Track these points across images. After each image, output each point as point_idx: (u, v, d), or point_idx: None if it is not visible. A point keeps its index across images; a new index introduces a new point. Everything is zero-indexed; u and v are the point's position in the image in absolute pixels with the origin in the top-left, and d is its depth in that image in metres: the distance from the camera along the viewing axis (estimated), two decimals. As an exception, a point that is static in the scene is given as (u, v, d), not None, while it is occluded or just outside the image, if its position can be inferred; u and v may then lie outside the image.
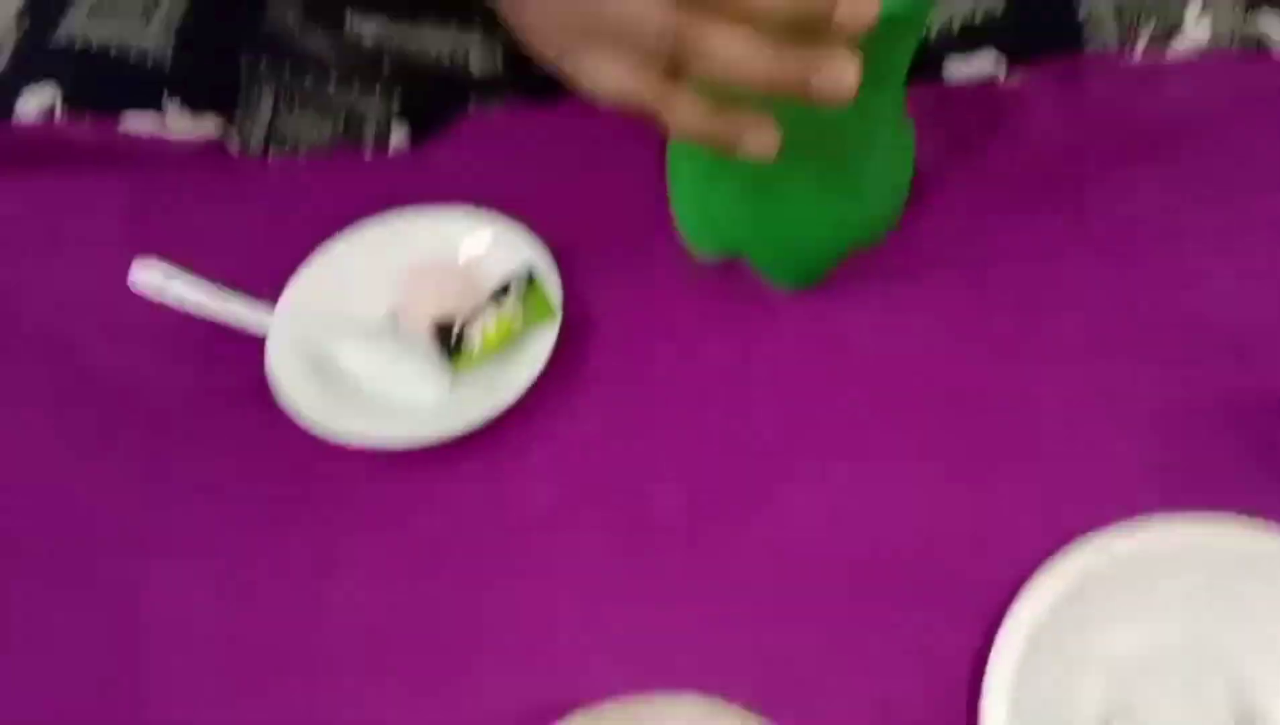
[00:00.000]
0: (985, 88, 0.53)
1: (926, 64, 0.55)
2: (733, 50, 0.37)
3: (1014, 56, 0.55)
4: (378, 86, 0.60)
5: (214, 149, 0.58)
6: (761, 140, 0.40)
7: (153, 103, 0.57)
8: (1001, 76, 0.55)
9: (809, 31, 0.37)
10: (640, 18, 0.37)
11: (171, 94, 0.57)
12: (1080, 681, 0.38)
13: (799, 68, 0.37)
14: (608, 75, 0.40)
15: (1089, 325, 0.46)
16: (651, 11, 0.37)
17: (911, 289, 0.48)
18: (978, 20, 0.56)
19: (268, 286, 0.50)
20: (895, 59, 0.42)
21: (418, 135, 0.59)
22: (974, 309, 0.47)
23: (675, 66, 0.38)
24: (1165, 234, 0.48)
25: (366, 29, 0.57)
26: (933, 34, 0.56)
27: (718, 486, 0.45)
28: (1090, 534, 0.40)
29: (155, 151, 0.57)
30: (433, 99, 0.60)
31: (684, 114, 0.40)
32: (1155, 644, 0.39)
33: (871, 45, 0.37)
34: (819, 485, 0.44)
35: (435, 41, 0.57)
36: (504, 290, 0.48)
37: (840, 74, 0.37)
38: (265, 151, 0.60)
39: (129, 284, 0.50)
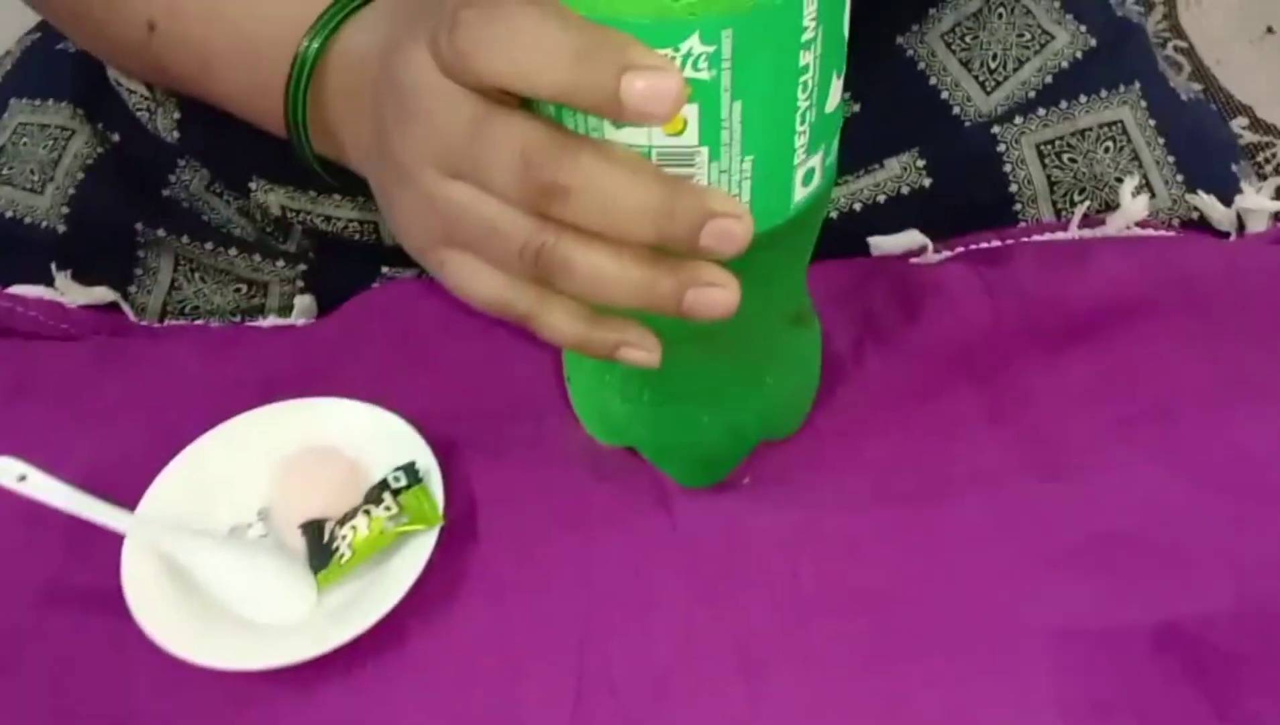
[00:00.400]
0: (903, 266, 0.50)
1: (849, 238, 0.53)
2: (598, 268, 0.34)
3: (942, 232, 0.53)
4: (282, 255, 0.57)
5: (108, 316, 0.55)
6: (642, 352, 0.38)
7: (42, 276, 0.55)
8: (929, 250, 0.52)
9: (678, 237, 0.34)
10: (501, 231, 0.35)
11: (61, 267, 0.54)
12: None
13: (672, 286, 0.35)
14: (475, 281, 0.38)
15: (1007, 528, 0.42)
16: (513, 225, 0.35)
17: (818, 485, 0.45)
18: (904, 192, 0.54)
19: (150, 466, 0.47)
20: (789, 258, 0.39)
21: (324, 303, 0.57)
22: (884, 506, 0.43)
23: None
24: (1093, 431, 0.45)
25: (272, 198, 0.55)
26: (856, 207, 0.54)
27: (605, 703, 0.41)
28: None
29: (45, 314, 0.55)
30: (341, 267, 0.57)
31: (557, 324, 0.37)
32: None
33: (757, 251, 0.34)
34: (718, 705, 0.40)
35: (344, 211, 0.55)
36: (380, 489, 0.45)
37: (717, 293, 0.35)
38: (162, 319, 0.57)
39: (-14, 473, 0.47)
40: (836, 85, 0.34)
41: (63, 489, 0.46)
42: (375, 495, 0.45)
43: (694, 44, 0.30)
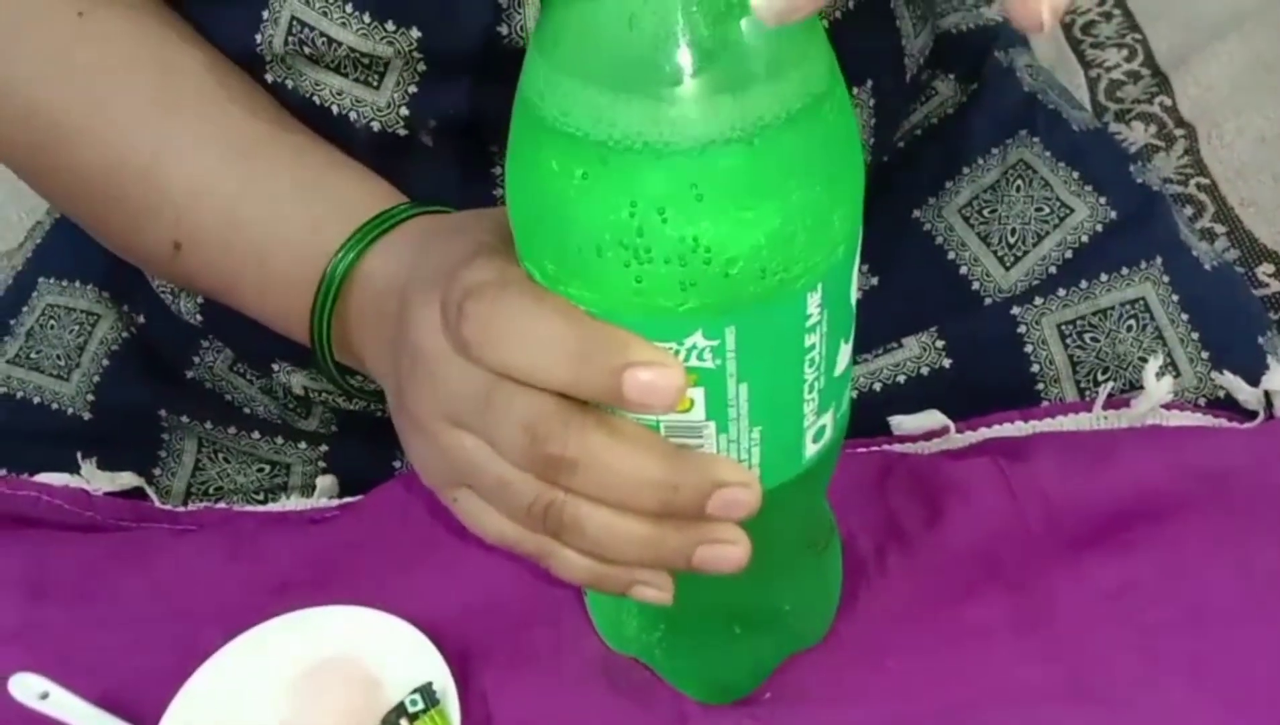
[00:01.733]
0: (924, 461, 0.50)
1: (869, 417, 0.52)
2: (606, 527, 0.34)
3: (963, 411, 0.52)
4: (304, 437, 0.58)
5: (130, 503, 0.56)
6: (655, 590, 0.38)
7: (68, 465, 0.55)
8: (951, 431, 0.52)
9: (683, 507, 0.34)
10: (511, 487, 0.35)
11: (86, 456, 0.55)
12: None
13: (680, 543, 0.35)
14: (487, 521, 0.38)
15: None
16: (522, 483, 0.35)
17: (842, 703, 0.44)
18: (924, 373, 0.53)
19: (166, 676, 0.47)
20: (804, 498, 0.39)
21: (345, 481, 0.57)
22: (892, 717, 0.43)
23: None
24: (1120, 643, 0.44)
25: (294, 379, 0.56)
26: (876, 387, 0.54)
27: None
28: None
29: (69, 502, 0.55)
30: (362, 445, 0.58)
31: (569, 564, 0.37)
32: None
33: (771, 500, 0.34)
34: None
35: (365, 395, 0.55)
36: (399, 712, 0.44)
37: (727, 549, 0.35)
38: (185, 502, 0.57)
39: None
40: (845, 349, 0.34)
41: (84, 709, 0.46)
42: (392, 720, 0.44)
43: (697, 339, 0.30)
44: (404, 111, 0.45)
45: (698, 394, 0.32)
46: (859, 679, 0.45)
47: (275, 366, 0.56)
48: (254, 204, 0.45)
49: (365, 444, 0.57)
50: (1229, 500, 0.47)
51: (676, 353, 0.31)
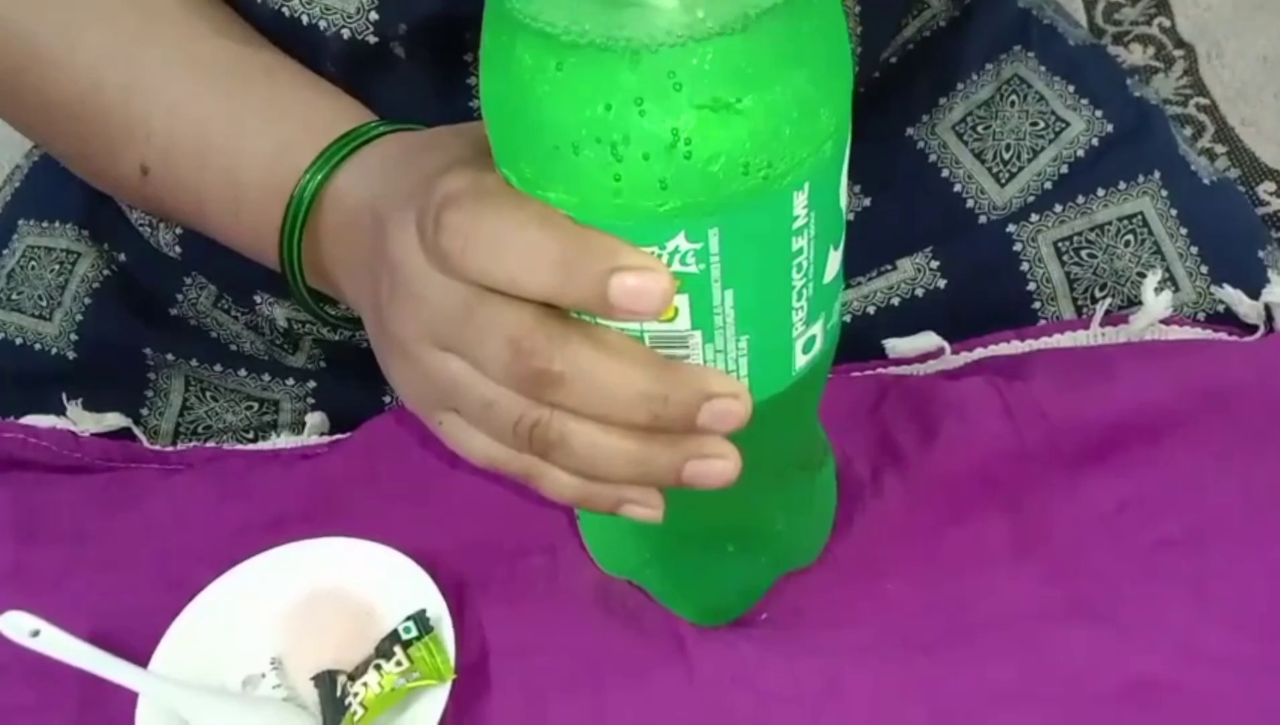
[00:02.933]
0: (919, 382, 0.49)
1: (864, 341, 0.52)
2: (593, 444, 0.34)
3: (959, 332, 0.51)
4: (291, 373, 0.57)
5: (119, 443, 0.55)
6: (645, 508, 0.37)
7: (53, 405, 0.55)
8: (947, 352, 0.51)
9: (671, 419, 0.33)
10: (495, 407, 0.34)
11: (72, 397, 0.54)
12: None
13: (669, 459, 0.34)
14: (473, 443, 0.37)
15: (1034, 680, 0.41)
16: (507, 402, 0.34)
17: (839, 625, 0.43)
18: (919, 294, 0.52)
19: (159, 612, 0.46)
20: (795, 412, 0.38)
21: (335, 417, 0.56)
22: (907, 655, 0.42)
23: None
24: (1121, 563, 0.43)
25: (277, 311, 0.55)
26: (870, 310, 0.53)
27: None
28: None
29: (57, 443, 0.55)
30: (350, 378, 0.57)
31: (557, 483, 0.37)
32: None
33: (761, 414, 0.33)
34: None
35: (344, 322, 0.55)
36: (391, 641, 0.44)
37: (716, 463, 0.34)
38: (174, 441, 0.57)
39: (-1, 628, 0.47)
40: (834, 257, 0.33)
41: (77, 645, 0.45)
42: (386, 648, 0.44)
43: (680, 242, 0.29)
44: (373, 17, 0.44)
45: (682, 302, 0.31)
46: (856, 601, 0.44)
47: (258, 298, 0.55)
48: (223, 124, 0.44)
49: (354, 379, 0.56)
50: (1229, 415, 0.46)
51: (660, 257, 0.30)
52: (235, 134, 0.44)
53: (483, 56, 0.30)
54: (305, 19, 0.44)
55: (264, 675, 0.46)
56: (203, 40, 0.45)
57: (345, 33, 0.44)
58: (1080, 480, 0.45)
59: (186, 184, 0.46)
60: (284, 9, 0.44)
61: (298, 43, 0.45)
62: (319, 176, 0.42)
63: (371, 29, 0.44)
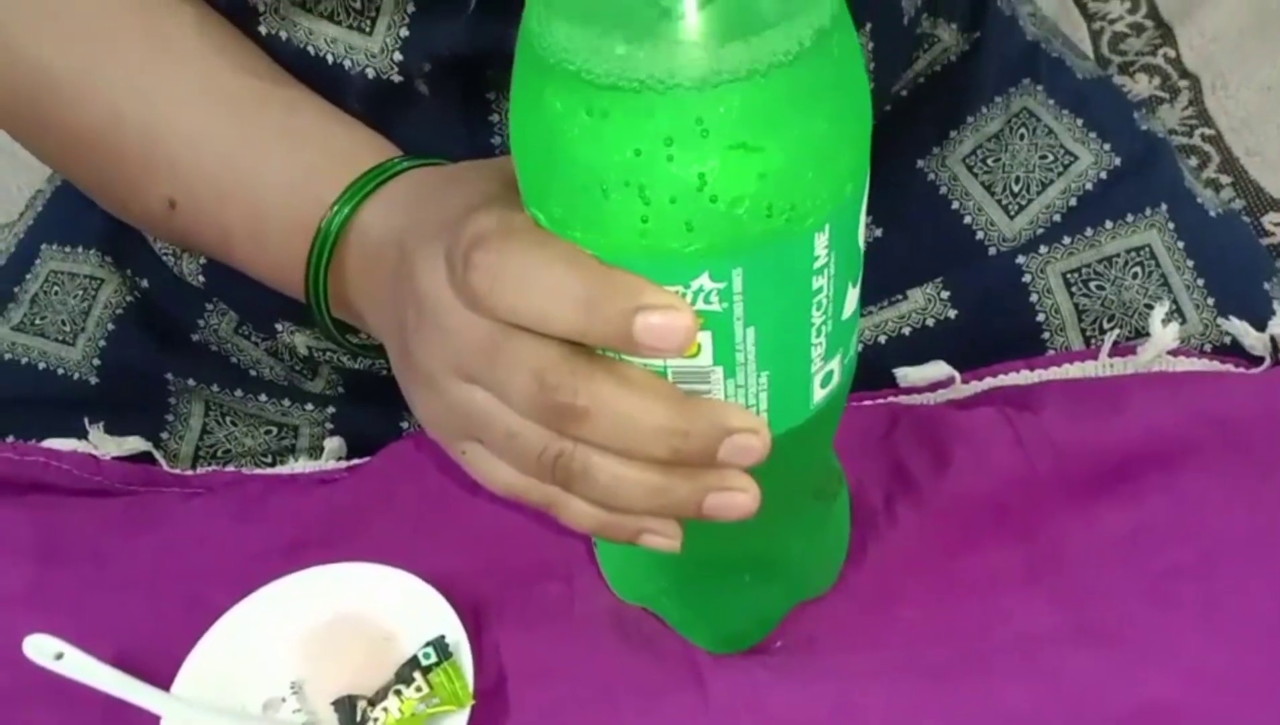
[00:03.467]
0: (931, 411, 0.50)
1: (875, 370, 0.52)
2: (616, 477, 0.34)
3: (969, 362, 0.52)
4: (310, 398, 0.58)
5: (139, 467, 0.56)
6: (663, 538, 0.38)
7: (75, 430, 0.55)
8: (957, 381, 0.52)
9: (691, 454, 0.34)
10: (519, 438, 0.35)
11: (94, 421, 0.55)
12: None
13: (689, 491, 0.35)
14: (495, 473, 0.38)
15: (1046, 704, 0.41)
16: (530, 434, 0.35)
17: (853, 650, 0.44)
18: (929, 324, 0.53)
19: (178, 636, 0.47)
20: (812, 445, 0.39)
21: (353, 443, 0.57)
22: (920, 680, 0.43)
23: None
24: (1131, 589, 0.44)
25: (298, 339, 0.56)
26: (881, 339, 0.54)
27: None
28: None
29: (77, 467, 0.55)
30: (369, 405, 0.58)
31: (578, 513, 0.37)
32: None
33: (779, 446, 0.34)
34: None
35: (366, 352, 0.55)
36: (412, 665, 0.45)
37: (737, 497, 0.35)
38: (194, 466, 0.58)
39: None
40: (852, 293, 0.34)
41: (100, 668, 0.46)
42: (406, 674, 0.44)
43: (704, 281, 0.30)
44: (397, 56, 0.45)
45: (705, 338, 0.32)
46: (869, 627, 0.45)
47: (279, 327, 0.56)
48: (248, 157, 0.44)
49: (372, 405, 0.57)
50: (1237, 445, 0.46)
51: (683, 296, 0.31)
52: (257, 163, 0.45)
53: (513, 99, 0.31)
54: (330, 58, 0.45)
55: (284, 700, 0.46)
56: (222, 73, 0.45)
57: (369, 71, 0.45)
58: (1090, 508, 0.46)
59: (210, 217, 0.46)
60: (309, 48, 0.45)
61: (322, 80, 0.46)
62: (345, 210, 0.42)
63: (396, 68, 0.45)
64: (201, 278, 0.56)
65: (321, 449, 0.57)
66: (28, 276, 0.61)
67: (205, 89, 0.46)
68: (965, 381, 0.52)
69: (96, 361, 0.57)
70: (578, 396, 0.33)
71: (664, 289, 0.30)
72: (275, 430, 0.58)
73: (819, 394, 0.35)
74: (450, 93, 0.46)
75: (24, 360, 0.58)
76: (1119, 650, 0.42)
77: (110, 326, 0.58)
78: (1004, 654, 0.42)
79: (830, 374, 0.35)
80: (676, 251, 0.30)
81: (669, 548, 0.38)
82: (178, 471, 0.57)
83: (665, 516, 0.35)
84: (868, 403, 0.52)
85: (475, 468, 0.39)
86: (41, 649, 0.47)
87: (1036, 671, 0.42)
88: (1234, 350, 0.52)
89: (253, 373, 0.58)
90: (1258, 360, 0.52)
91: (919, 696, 0.42)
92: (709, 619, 0.44)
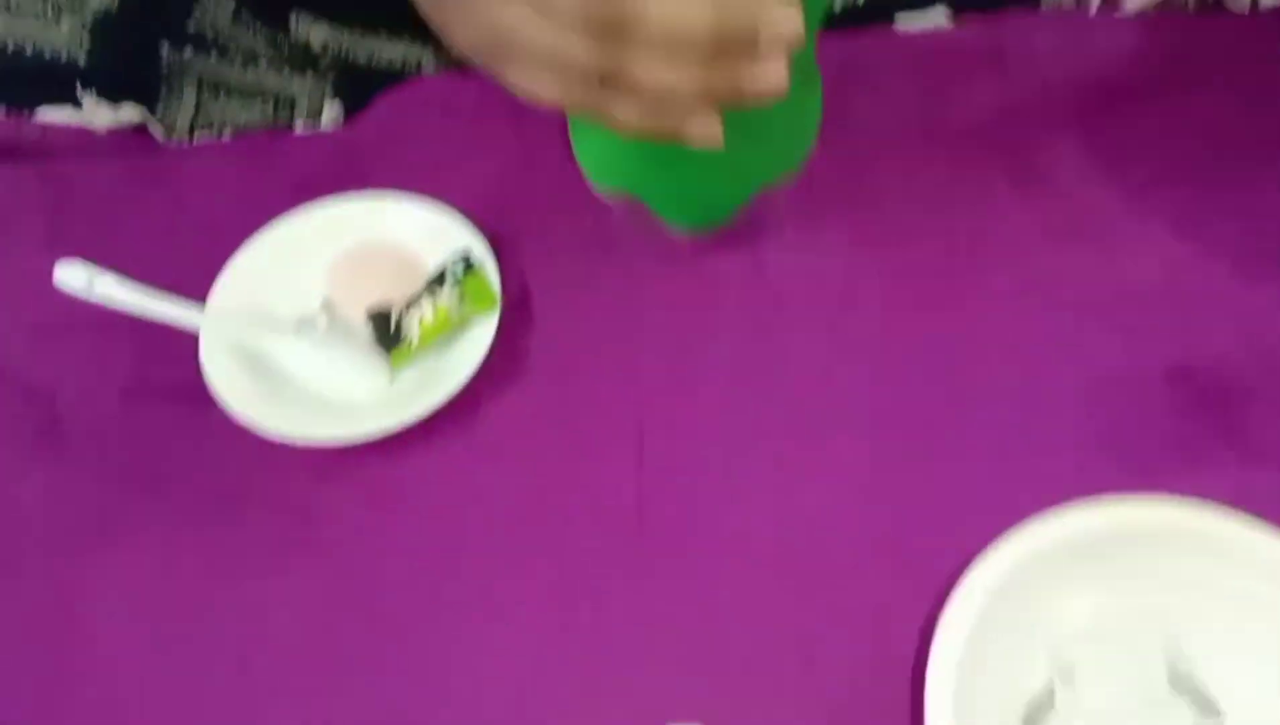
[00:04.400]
0: (919, 38, 0.53)
1: (876, 16, 0.55)
2: (661, 82, 0.36)
3: (966, 11, 0.55)
4: (309, 72, 0.58)
5: (137, 137, 0.56)
6: (705, 131, 0.39)
7: (67, 96, 0.55)
8: (953, 27, 0.54)
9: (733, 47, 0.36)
10: (562, 54, 0.36)
11: (86, 86, 0.55)
12: (1026, 647, 0.39)
13: (729, 81, 0.37)
14: (538, 86, 0.39)
15: (1031, 292, 0.46)
16: (573, 48, 0.36)
17: (848, 246, 0.48)
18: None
19: (199, 275, 0.49)
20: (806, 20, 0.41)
21: (351, 114, 0.58)
22: (917, 278, 0.47)
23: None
24: (1109, 196, 0.48)
25: (314, 31, 0.56)
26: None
27: (665, 469, 0.44)
28: (1040, 513, 0.40)
29: (75, 142, 0.55)
30: (370, 82, 0.58)
31: (624, 114, 0.39)
32: (1099, 613, 0.39)
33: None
34: (768, 464, 0.44)
35: (387, 50, 0.55)
36: (440, 278, 0.47)
37: (771, 78, 0.37)
38: (191, 137, 0.58)
39: (54, 283, 0.48)
40: None
41: (134, 291, 0.47)
42: (436, 282, 0.47)
43: None
44: None
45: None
46: (863, 225, 0.49)
47: (294, 16, 0.55)
48: None
49: (375, 80, 0.57)
50: (1211, 77, 0.50)
51: None
52: None
53: None
54: None
55: (316, 316, 0.48)
56: None
57: None
58: (1076, 129, 0.50)
59: None
60: None
61: None
62: None
63: None
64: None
65: (320, 112, 0.57)
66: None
67: None
68: (960, 27, 0.55)
69: (85, 38, 0.56)
70: (624, 6, 0.34)
71: None
72: (272, 104, 0.58)
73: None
74: None
75: (9, 46, 0.57)
76: (1098, 246, 0.47)
77: (102, 4, 0.57)
78: (993, 247, 0.47)
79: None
80: None
81: (711, 141, 0.39)
82: (174, 141, 0.57)
83: (708, 106, 0.37)
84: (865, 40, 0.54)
85: (518, 85, 0.40)
86: (73, 276, 0.48)
87: (1024, 265, 0.46)
88: (1217, 9, 0.55)
89: (249, 52, 0.58)
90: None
91: (918, 292, 0.46)
92: (685, 194, 0.46)
